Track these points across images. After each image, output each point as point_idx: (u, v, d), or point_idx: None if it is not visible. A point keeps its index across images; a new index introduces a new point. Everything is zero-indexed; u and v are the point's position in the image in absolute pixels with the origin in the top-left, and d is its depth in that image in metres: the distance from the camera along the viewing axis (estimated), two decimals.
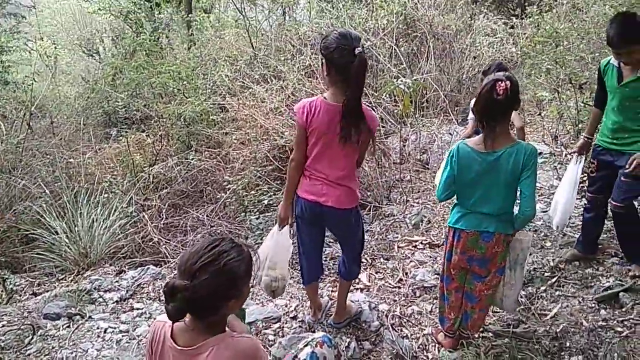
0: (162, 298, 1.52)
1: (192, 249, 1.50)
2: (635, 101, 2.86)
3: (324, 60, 2.36)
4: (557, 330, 2.85)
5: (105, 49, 11.81)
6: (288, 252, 2.77)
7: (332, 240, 3.97)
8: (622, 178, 2.93)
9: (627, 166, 2.85)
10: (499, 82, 2.16)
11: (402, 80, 4.71)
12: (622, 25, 2.74)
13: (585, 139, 3.32)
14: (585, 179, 3.61)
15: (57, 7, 13.68)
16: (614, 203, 3.01)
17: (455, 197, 2.52)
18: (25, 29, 10.82)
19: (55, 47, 11.00)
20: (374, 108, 5.48)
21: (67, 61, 11.51)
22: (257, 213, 4.46)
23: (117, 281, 3.72)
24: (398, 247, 3.98)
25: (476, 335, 2.81)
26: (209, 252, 1.46)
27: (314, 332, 2.89)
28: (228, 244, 1.50)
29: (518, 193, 2.41)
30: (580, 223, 3.57)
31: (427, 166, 5.51)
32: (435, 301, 3.13)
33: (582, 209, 3.68)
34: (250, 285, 1.62)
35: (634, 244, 3.16)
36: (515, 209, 2.44)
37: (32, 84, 6.60)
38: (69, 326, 3.14)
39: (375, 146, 2.59)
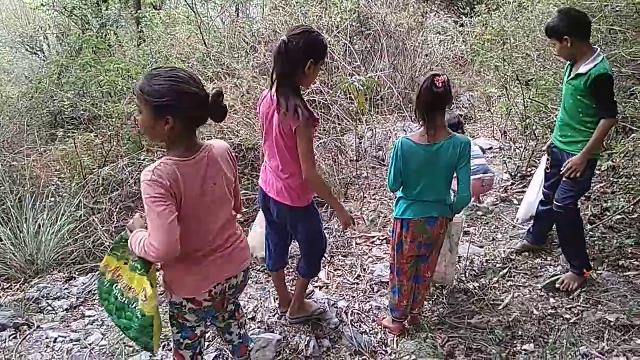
0: None
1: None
2: (576, 99, 2.91)
3: None
4: (510, 319, 2.95)
5: (50, 47, 11.31)
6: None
7: None
8: (563, 178, 3.02)
9: (562, 168, 2.98)
10: (437, 77, 2.37)
11: (356, 78, 4.75)
12: (551, 19, 2.90)
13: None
14: None
15: None
16: (555, 202, 3.09)
17: (399, 190, 2.68)
18: None
19: None
20: (329, 105, 5.49)
21: (8, 59, 10.98)
22: None
23: (66, 288, 3.57)
24: (356, 243, 4.02)
25: (422, 316, 3.01)
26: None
27: (272, 332, 2.88)
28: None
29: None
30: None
31: (383, 163, 5.58)
32: None
33: None
34: None
35: (570, 247, 3.19)
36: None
37: None
38: (15, 337, 2.99)
39: (303, 145, 2.30)
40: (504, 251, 3.68)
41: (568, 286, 3.15)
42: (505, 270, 3.45)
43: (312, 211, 2.64)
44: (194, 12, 7.47)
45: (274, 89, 2.35)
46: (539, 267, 3.47)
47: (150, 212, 1.66)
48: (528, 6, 6.49)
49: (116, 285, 1.90)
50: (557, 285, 3.18)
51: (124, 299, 1.87)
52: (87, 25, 8.76)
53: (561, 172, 2.99)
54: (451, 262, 2.97)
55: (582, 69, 2.81)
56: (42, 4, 9.32)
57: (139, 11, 8.80)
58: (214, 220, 1.90)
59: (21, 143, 5.80)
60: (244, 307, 3.18)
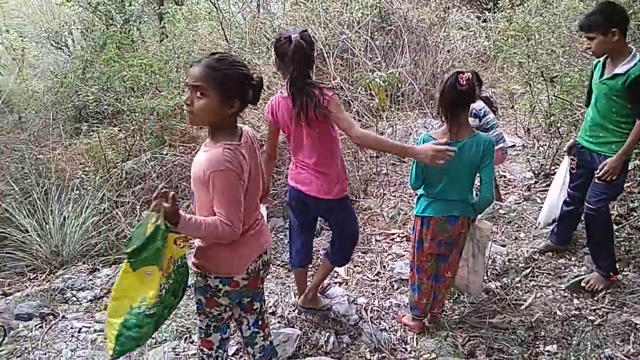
0: None
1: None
2: (610, 99, 2.83)
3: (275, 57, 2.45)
4: (532, 320, 2.91)
5: (75, 42, 11.48)
6: None
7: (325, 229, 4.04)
8: (596, 180, 2.94)
9: (597, 171, 2.91)
10: (461, 74, 2.32)
11: (377, 74, 4.72)
12: (592, 11, 2.84)
13: (575, 139, 3.28)
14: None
15: None
16: (588, 205, 3.02)
17: (421, 188, 2.66)
18: None
19: (22, 40, 10.66)
20: (349, 102, 5.48)
21: (34, 54, 11.15)
22: None
23: (90, 280, 3.64)
24: (376, 240, 4.00)
25: (442, 316, 2.98)
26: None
27: (293, 327, 2.89)
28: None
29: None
30: (554, 215, 3.63)
31: (403, 159, 5.54)
32: None
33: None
34: None
35: (600, 249, 3.13)
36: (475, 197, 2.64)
37: None
38: (41, 326, 3.07)
39: (341, 114, 2.36)
40: (527, 251, 3.63)
41: (593, 287, 3.10)
42: (528, 270, 3.41)
43: (348, 200, 2.74)
44: (215, 8, 7.50)
45: (286, 92, 2.42)
46: (562, 268, 3.42)
47: (231, 196, 1.75)
48: (553, 1, 6.37)
49: (164, 287, 1.79)
50: (582, 284, 3.13)
51: (173, 278, 1.84)
52: (111, 21, 8.86)
53: (597, 175, 2.91)
54: (474, 269, 2.86)
55: (620, 69, 2.75)
56: (67, 0, 9.46)
57: (161, 7, 8.89)
58: (254, 201, 1.98)
59: (47, 137, 5.91)
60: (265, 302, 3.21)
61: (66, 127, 6.52)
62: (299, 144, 2.55)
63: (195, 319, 2.14)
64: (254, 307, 2.19)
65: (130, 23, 8.95)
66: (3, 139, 5.78)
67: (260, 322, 2.22)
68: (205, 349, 2.11)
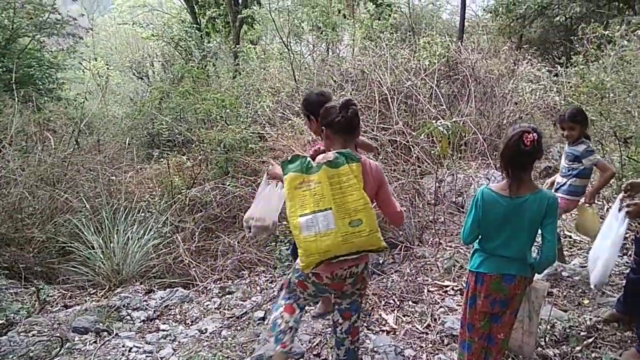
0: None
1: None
2: None
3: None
4: None
5: (155, 73, 12.29)
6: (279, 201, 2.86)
7: None
8: None
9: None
10: (526, 134, 2.23)
11: (441, 122, 4.72)
12: None
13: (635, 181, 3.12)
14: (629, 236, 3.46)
15: (113, 31, 14.42)
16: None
17: (476, 242, 2.56)
18: (81, 49, 11.40)
19: (108, 68, 11.55)
20: (411, 147, 5.48)
21: (117, 82, 12.05)
22: (288, 243, 4.47)
23: (145, 300, 3.77)
24: (428, 290, 3.90)
25: None
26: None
27: None
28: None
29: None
30: (621, 282, 3.42)
31: (462, 209, 5.43)
32: None
33: (623, 266, 3.53)
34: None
35: None
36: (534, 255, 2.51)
37: (83, 101, 6.90)
38: (95, 341, 3.19)
39: None
40: (590, 319, 3.41)
41: None
42: (590, 340, 3.19)
43: None
44: (287, 49, 7.83)
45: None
46: (629, 341, 3.18)
47: None
48: (631, 60, 6.17)
49: None
50: None
51: None
52: (190, 56, 9.46)
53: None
54: (530, 330, 2.72)
55: None
56: (152, 35, 10.21)
57: (237, 46, 9.39)
58: None
59: (121, 160, 6.29)
60: (310, 342, 3.19)
61: (139, 152, 6.92)
62: None
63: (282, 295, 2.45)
64: (351, 316, 2.46)
65: (208, 59, 9.50)
66: (81, 158, 6.19)
67: (351, 330, 2.49)
68: (287, 315, 2.31)
